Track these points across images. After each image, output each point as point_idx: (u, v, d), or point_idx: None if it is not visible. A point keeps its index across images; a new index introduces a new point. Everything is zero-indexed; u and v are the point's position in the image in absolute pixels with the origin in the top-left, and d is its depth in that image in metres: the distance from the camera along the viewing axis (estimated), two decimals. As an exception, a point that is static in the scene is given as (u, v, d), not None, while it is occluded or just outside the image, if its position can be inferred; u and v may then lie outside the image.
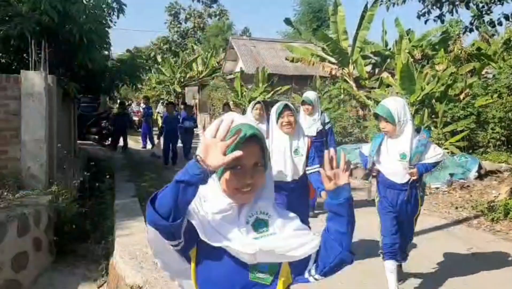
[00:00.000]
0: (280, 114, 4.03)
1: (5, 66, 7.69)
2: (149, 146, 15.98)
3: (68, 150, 8.45)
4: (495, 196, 7.75)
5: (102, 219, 6.26)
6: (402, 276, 4.29)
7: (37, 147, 5.82)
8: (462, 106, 10.93)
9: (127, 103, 24.38)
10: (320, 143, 6.27)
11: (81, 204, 6.13)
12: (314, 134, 6.26)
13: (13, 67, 7.68)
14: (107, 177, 7.53)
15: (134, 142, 17.72)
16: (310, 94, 6.61)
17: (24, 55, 7.50)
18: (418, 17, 7.73)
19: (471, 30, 8.00)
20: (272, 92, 19.31)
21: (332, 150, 1.60)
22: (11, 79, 5.78)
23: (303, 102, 6.49)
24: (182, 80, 31.69)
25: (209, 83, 24.57)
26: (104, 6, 8.43)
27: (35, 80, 5.85)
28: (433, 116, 11.27)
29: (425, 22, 7.71)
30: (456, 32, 14.58)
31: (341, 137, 12.81)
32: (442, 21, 7.86)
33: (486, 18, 7.77)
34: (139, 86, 13.33)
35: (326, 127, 6.62)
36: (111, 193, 7.32)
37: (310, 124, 6.36)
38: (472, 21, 7.93)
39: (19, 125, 5.78)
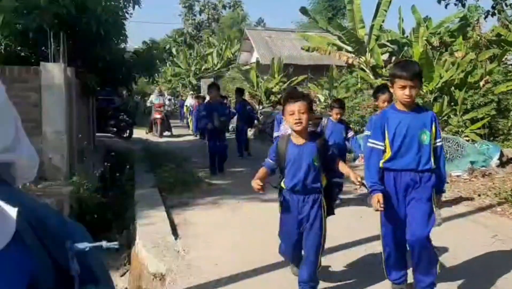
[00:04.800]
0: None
1: (24, 59, 7.76)
2: None
3: (87, 142, 8.52)
4: (518, 183, 7.61)
5: (123, 209, 6.31)
6: None
7: (57, 138, 5.88)
8: (482, 93, 10.73)
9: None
10: None
11: (102, 194, 6.18)
12: None
13: (32, 60, 7.76)
14: (127, 167, 7.58)
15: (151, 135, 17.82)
16: None
17: (43, 48, 7.57)
18: (439, 1, 7.61)
19: (493, 14, 7.84)
20: (288, 82, 19.26)
21: None
22: (31, 71, 5.83)
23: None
24: (197, 72, 31.75)
25: (225, 75, 24.58)
26: (120, -3, 8.47)
27: (54, 72, 5.89)
28: (452, 104, 11.08)
29: (446, 6, 7.61)
30: (475, 18, 14.27)
31: (359, 126, 12.69)
32: (464, 5, 7.75)
33: (509, 1, 7.61)
34: (156, 78, 13.31)
35: None
36: (131, 183, 7.36)
37: None
38: (495, 5, 7.77)
39: (40, 117, 5.84)
